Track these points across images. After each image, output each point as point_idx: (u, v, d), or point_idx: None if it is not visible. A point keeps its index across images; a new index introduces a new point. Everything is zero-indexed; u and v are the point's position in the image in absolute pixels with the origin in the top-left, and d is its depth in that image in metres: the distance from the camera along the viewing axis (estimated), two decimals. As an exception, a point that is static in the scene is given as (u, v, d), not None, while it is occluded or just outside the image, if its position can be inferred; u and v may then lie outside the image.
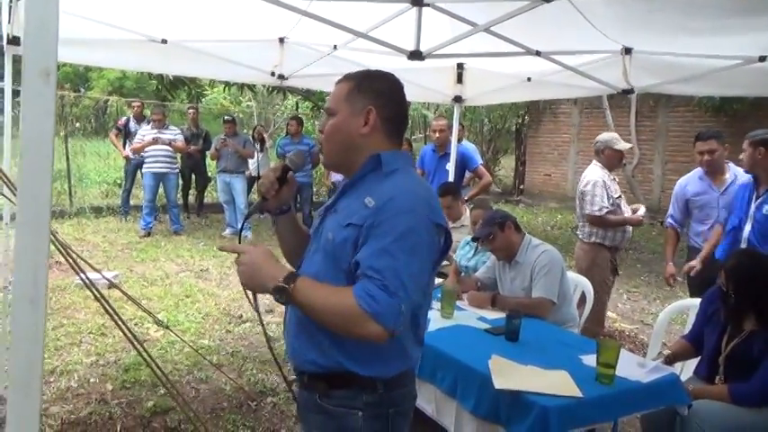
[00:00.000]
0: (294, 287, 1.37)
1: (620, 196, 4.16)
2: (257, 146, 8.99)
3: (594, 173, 4.19)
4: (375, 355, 1.46)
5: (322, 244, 1.52)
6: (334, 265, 1.46)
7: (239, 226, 1.77)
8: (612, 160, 4.23)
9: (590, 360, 2.41)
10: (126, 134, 9.13)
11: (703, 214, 4.01)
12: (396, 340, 1.41)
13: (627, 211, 4.21)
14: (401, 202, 1.41)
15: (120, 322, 2.86)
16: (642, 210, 4.34)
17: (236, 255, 1.48)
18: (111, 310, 2.80)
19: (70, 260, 2.91)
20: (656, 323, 3.40)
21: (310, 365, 1.53)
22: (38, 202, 0.63)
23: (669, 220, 4.24)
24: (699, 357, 2.82)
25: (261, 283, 1.42)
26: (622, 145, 4.22)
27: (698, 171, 4.08)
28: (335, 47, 3.66)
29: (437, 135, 5.45)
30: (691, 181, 4.11)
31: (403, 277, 1.35)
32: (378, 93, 1.54)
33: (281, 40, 3.85)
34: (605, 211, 4.09)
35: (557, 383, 2.22)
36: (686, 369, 2.95)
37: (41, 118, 0.64)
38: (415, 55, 3.03)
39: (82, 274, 2.97)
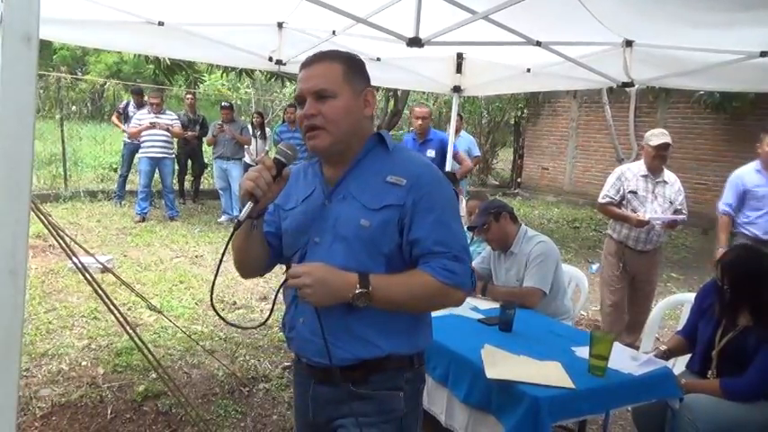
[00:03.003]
0: (373, 288, 1.38)
1: (633, 192, 4.00)
2: (257, 132, 8.94)
3: (626, 165, 4.24)
4: (415, 331, 1.53)
5: (350, 233, 1.43)
6: (369, 251, 1.43)
7: (228, 239, 1.50)
8: (646, 156, 4.06)
9: (583, 352, 2.40)
10: (125, 118, 9.09)
11: (760, 204, 4.13)
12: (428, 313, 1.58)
13: (650, 210, 3.95)
14: (431, 174, 1.47)
15: (112, 306, 2.84)
16: (665, 218, 4.01)
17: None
18: (102, 294, 2.79)
19: (63, 243, 2.90)
20: (650, 317, 3.41)
21: (347, 355, 1.47)
22: (18, 168, 0.61)
23: (726, 208, 4.27)
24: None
25: (336, 296, 1.38)
26: (654, 141, 4.00)
27: (755, 163, 4.23)
28: (334, 32, 3.63)
29: (419, 122, 5.46)
30: (748, 173, 4.25)
31: (462, 241, 1.47)
32: (366, 74, 1.52)
33: (280, 25, 3.81)
34: (606, 200, 4.11)
35: (549, 374, 2.21)
36: (679, 363, 2.96)
37: (23, 83, 0.62)
38: (414, 42, 3.00)
39: (74, 258, 2.96)
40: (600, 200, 4.20)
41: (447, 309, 2.89)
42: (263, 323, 1.63)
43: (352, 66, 1.49)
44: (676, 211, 4.02)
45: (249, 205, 1.39)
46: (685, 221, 4.15)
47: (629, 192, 4.03)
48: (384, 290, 1.39)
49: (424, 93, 14.19)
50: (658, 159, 4.01)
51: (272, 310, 1.49)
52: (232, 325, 1.45)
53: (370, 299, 1.37)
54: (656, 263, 4.20)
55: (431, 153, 5.22)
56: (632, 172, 4.08)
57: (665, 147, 3.96)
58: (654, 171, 4.04)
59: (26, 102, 0.62)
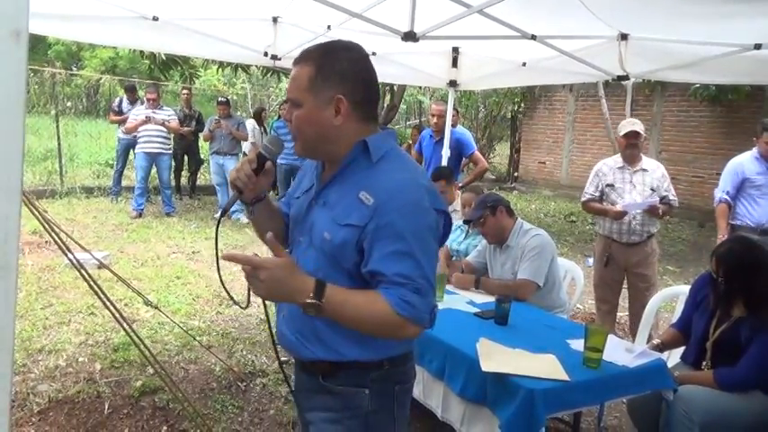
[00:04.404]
0: (325, 301, 1.30)
1: (610, 185, 3.99)
2: (261, 128, 8.97)
3: (603, 160, 4.22)
4: (383, 342, 1.45)
5: (317, 242, 1.44)
6: (333, 264, 1.41)
7: (216, 224, 1.63)
8: (619, 147, 4.06)
9: (578, 345, 2.42)
10: (120, 114, 9.06)
11: (759, 193, 4.18)
12: None
13: (629, 201, 3.90)
14: (404, 197, 1.36)
15: (107, 302, 2.84)
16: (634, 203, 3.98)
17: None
18: (98, 290, 2.79)
19: (58, 239, 2.89)
20: (646, 310, 3.42)
21: (312, 355, 1.49)
22: (8, 164, 0.61)
23: (724, 195, 4.29)
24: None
25: (286, 298, 1.35)
26: (623, 130, 3.98)
27: (753, 151, 4.27)
28: (329, 27, 3.62)
29: (435, 120, 5.43)
30: (747, 161, 4.29)
31: (428, 275, 1.36)
32: (343, 76, 1.39)
33: (275, 20, 3.80)
34: (587, 197, 4.13)
35: (544, 367, 2.23)
36: (673, 355, 2.97)
37: (13, 79, 0.62)
38: (409, 36, 3.00)
39: (69, 255, 2.95)
40: (582, 198, 4.21)
41: (442, 304, 2.94)
42: (246, 306, 1.57)
43: (323, 67, 1.39)
44: (663, 198, 3.93)
45: (234, 195, 1.52)
46: (673, 206, 4.02)
47: (607, 185, 4.01)
48: (336, 305, 1.32)
49: (420, 88, 14.19)
50: (630, 148, 3.96)
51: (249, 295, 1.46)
52: (231, 299, 1.46)
53: (321, 311, 1.31)
54: (647, 255, 4.05)
55: (444, 152, 5.17)
56: (608, 166, 4.08)
57: (633, 135, 3.92)
58: (629, 161, 3.99)
59: (16, 98, 0.62)
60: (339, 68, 1.39)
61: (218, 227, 1.53)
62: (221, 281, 1.54)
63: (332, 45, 1.45)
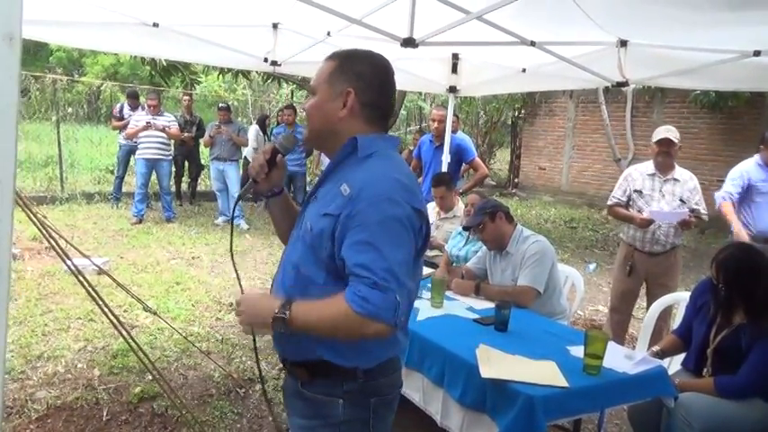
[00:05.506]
0: (291, 314, 1.37)
1: (638, 191, 3.88)
2: (265, 136, 9.01)
3: (635, 165, 4.15)
4: (357, 346, 1.44)
5: (302, 233, 1.50)
6: (313, 255, 1.44)
7: (231, 213, 1.86)
8: (652, 153, 3.93)
9: (578, 351, 2.40)
10: (121, 120, 9.08)
11: (762, 200, 4.21)
12: None
13: (651, 207, 3.81)
14: (377, 189, 1.37)
15: (105, 308, 2.83)
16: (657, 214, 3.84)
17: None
18: (96, 296, 2.78)
19: (55, 245, 2.88)
20: (646, 316, 3.41)
21: (291, 355, 1.54)
22: (1, 167, 0.61)
23: (728, 198, 4.29)
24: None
25: (261, 319, 1.43)
26: (655, 137, 3.87)
27: (756, 158, 4.30)
28: (329, 33, 3.63)
29: (435, 125, 5.42)
30: (752, 167, 4.32)
31: (391, 268, 1.32)
32: (358, 75, 1.48)
33: (275, 26, 3.82)
34: (613, 201, 4.04)
35: (543, 373, 2.21)
36: (674, 362, 2.96)
37: (6, 83, 0.62)
38: (409, 42, 3.01)
39: (68, 261, 2.94)
40: (608, 202, 4.12)
41: (442, 310, 2.93)
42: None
43: (344, 65, 1.50)
44: (694, 211, 3.81)
45: (249, 183, 1.63)
46: (703, 219, 3.88)
47: (634, 191, 3.91)
48: (301, 314, 1.37)
49: (420, 94, 14.21)
50: (661, 156, 3.84)
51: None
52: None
53: (288, 324, 1.37)
54: (670, 267, 3.92)
55: (444, 157, 5.16)
56: (639, 171, 3.98)
57: (665, 143, 3.79)
58: (661, 169, 3.87)
59: (9, 102, 0.62)
60: (357, 69, 1.50)
61: (232, 218, 1.85)
62: (236, 270, 1.67)
63: (360, 50, 1.55)
